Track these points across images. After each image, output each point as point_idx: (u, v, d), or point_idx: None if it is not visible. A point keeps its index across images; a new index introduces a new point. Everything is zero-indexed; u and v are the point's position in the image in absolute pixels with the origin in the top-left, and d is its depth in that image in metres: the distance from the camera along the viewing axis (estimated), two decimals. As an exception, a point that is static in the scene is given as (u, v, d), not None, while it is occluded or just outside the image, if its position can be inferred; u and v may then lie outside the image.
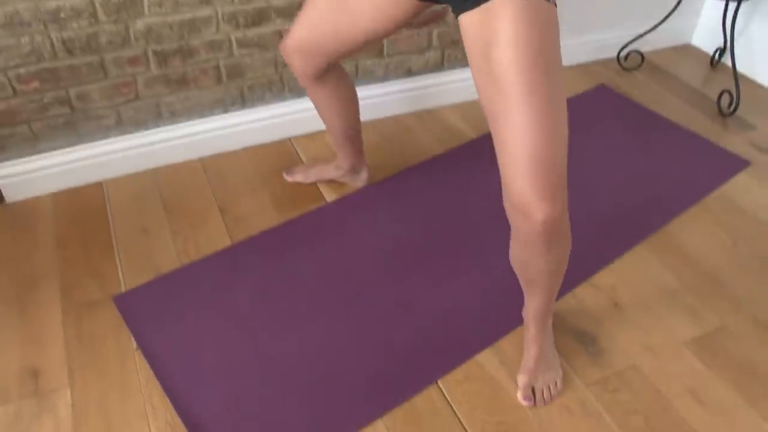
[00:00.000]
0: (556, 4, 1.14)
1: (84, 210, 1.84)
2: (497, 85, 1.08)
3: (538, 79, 1.06)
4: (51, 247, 1.72)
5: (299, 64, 1.53)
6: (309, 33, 1.46)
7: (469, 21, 1.13)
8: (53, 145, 1.86)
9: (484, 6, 1.10)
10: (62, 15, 1.67)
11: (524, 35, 1.06)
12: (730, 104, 2.33)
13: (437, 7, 1.55)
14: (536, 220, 1.09)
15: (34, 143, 1.83)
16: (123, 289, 1.60)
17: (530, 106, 1.06)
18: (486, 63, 1.10)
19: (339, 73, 1.62)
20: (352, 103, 1.70)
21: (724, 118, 2.32)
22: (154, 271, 1.65)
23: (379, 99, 2.18)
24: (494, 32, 1.08)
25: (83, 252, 1.70)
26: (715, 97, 2.41)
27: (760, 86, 2.53)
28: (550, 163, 1.08)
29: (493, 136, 1.13)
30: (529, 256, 1.22)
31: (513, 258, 1.30)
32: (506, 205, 1.16)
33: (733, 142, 2.19)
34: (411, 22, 1.37)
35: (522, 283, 1.36)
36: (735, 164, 2.08)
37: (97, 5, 1.69)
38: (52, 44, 1.70)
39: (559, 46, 1.14)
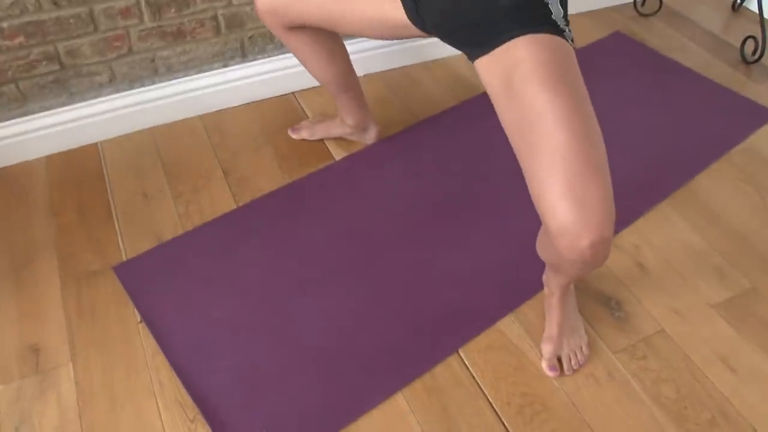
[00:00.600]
0: (573, 42, 1.12)
1: (79, 173, 1.74)
2: (524, 107, 1.03)
3: (563, 93, 1.01)
4: (46, 214, 1.63)
5: (272, 22, 1.46)
6: (290, 4, 1.38)
7: (485, 65, 1.12)
8: (43, 105, 1.76)
9: (498, 49, 1.08)
10: (47, -37, 1.55)
11: (544, 58, 1.05)
12: (755, 51, 2.21)
13: None
14: (583, 246, 0.97)
15: (22, 103, 1.73)
16: (123, 258, 1.52)
17: (557, 115, 0.99)
18: (509, 90, 1.06)
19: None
20: (337, 49, 1.57)
21: (748, 66, 2.21)
22: (155, 237, 1.57)
23: (383, 50, 2.06)
24: (513, 62, 1.06)
25: (80, 219, 1.62)
26: (737, 43, 2.29)
27: None
28: (594, 182, 0.98)
29: (525, 169, 1.05)
30: (564, 263, 1.13)
31: (541, 250, 1.22)
32: (545, 230, 1.08)
33: (758, 92, 2.08)
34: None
35: (547, 264, 1.28)
36: (761, 115, 1.98)
37: (84, -48, 1.57)
38: (37, -5, 1.59)
39: (580, 74, 1.08)
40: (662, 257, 1.55)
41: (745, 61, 2.23)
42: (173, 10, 1.74)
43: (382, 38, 1.39)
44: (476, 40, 1.13)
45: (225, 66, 1.90)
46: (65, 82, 1.74)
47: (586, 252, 0.97)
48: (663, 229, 1.61)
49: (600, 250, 0.99)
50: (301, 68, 1.93)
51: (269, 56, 1.94)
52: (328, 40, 1.53)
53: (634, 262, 1.53)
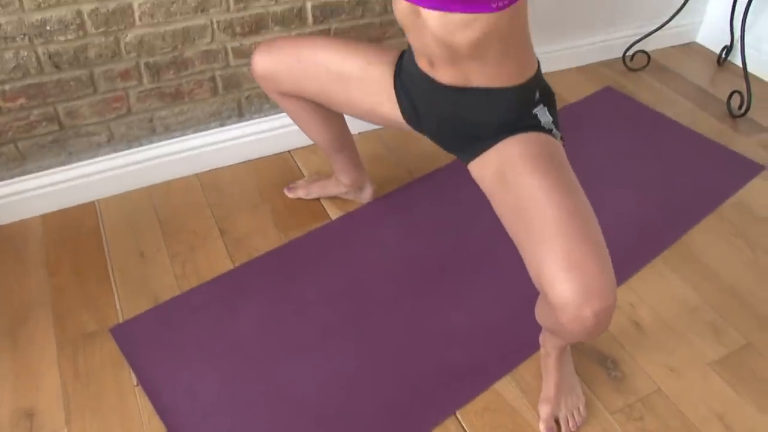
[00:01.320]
0: (563, 140, 1.22)
1: (76, 232, 1.75)
2: (518, 194, 1.10)
3: (555, 181, 1.08)
4: (42, 273, 1.63)
5: (267, 86, 1.50)
6: (288, 75, 1.42)
7: (478, 167, 1.22)
8: (42, 164, 1.77)
9: (490, 149, 1.20)
10: (48, 28, 1.57)
11: (533, 152, 1.13)
12: (741, 105, 2.27)
13: None
14: (586, 317, 0.98)
15: (21, 163, 1.74)
16: (120, 319, 1.51)
17: (551, 199, 1.05)
18: (503, 183, 1.14)
19: None
20: (332, 113, 1.57)
21: (735, 120, 2.26)
22: (152, 297, 1.57)
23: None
24: (505, 157, 1.16)
25: (77, 278, 1.62)
26: (723, 97, 2.35)
27: None
28: (590, 253, 1.00)
29: (523, 250, 1.09)
30: (564, 332, 1.10)
31: (541, 318, 1.23)
32: (544, 302, 1.10)
33: (746, 145, 2.13)
34: None
35: (545, 328, 1.29)
36: (749, 169, 2.02)
37: (86, 16, 1.60)
38: (38, 58, 1.61)
39: (571, 169, 1.15)
40: (657, 315, 1.55)
41: (732, 115, 2.28)
42: (172, 72, 1.77)
43: (379, 123, 1.45)
44: (470, 148, 1.24)
45: (222, 125, 1.93)
46: (64, 142, 1.76)
47: (588, 322, 0.98)
48: (657, 286, 1.62)
49: (602, 320, 0.99)
50: (297, 127, 1.97)
51: (265, 115, 1.97)
52: (322, 106, 1.55)
53: (629, 320, 1.54)
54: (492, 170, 1.18)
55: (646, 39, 2.53)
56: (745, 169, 2.02)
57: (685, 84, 2.47)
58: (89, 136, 1.78)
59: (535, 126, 1.19)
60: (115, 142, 1.82)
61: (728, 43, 2.55)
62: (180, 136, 1.89)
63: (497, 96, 1.17)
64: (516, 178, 1.10)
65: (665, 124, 2.23)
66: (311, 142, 2.03)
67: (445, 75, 1.17)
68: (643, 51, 2.55)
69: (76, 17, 1.59)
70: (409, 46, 1.24)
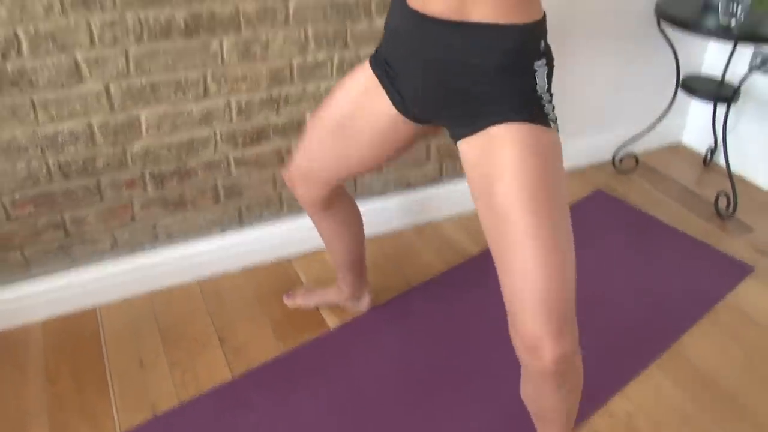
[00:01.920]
0: (558, 129, 1.12)
1: (76, 339, 1.76)
2: (502, 222, 1.07)
3: (544, 215, 1.05)
4: (41, 381, 1.63)
5: (303, 191, 1.50)
6: (310, 162, 1.44)
7: (468, 148, 1.13)
8: (46, 269, 1.80)
9: (483, 132, 1.09)
10: (60, 140, 1.64)
11: (527, 167, 1.05)
12: (728, 206, 2.34)
13: None
14: (547, 359, 1.05)
15: (25, 269, 1.77)
16: (118, 431, 1.50)
17: (537, 242, 1.04)
18: (489, 198, 1.08)
19: (345, 200, 1.58)
20: (357, 232, 1.65)
21: (723, 221, 2.33)
22: (150, 407, 1.56)
23: (378, 213, 2.15)
24: (495, 165, 1.07)
25: (75, 386, 1.61)
26: (711, 198, 2.43)
27: (754, 186, 2.56)
28: (559, 301, 1.05)
29: (498, 271, 1.11)
30: (541, 393, 1.17)
31: (524, 394, 1.25)
32: (515, 342, 1.12)
33: (734, 246, 2.18)
34: (411, 144, 1.35)
35: (534, 419, 1.30)
36: (739, 270, 2.06)
37: (96, 129, 1.67)
38: (48, 168, 1.67)
39: (563, 170, 1.12)
40: (655, 423, 1.55)
41: (720, 216, 2.35)
42: (175, 181, 1.82)
43: (390, 153, 1.36)
44: (460, 115, 1.14)
45: (223, 232, 1.97)
46: (69, 249, 1.80)
47: (550, 365, 1.06)
48: (654, 393, 1.63)
49: (565, 367, 1.07)
50: (296, 234, 2.03)
51: (265, 222, 2.02)
52: (353, 217, 1.62)
53: (628, 430, 1.54)
54: (480, 170, 1.10)
55: (634, 140, 2.63)
56: (735, 271, 2.06)
57: (673, 185, 2.55)
58: (93, 243, 1.82)
59: (530, 96, 1.09)
60: (119, 248, 1.86)
61: (712, 145, 2.65)
62: (181, 242, 1.93)
63: (498, 34, 1.04)
64: (504, 195, 1.05)
65: (656, 226, 2.29)
66: (311, 250, 2.08)
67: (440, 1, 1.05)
68: (631, 153, 2.65)
69: (86, 129, 1.66)
70: (391, 8, 1.20)
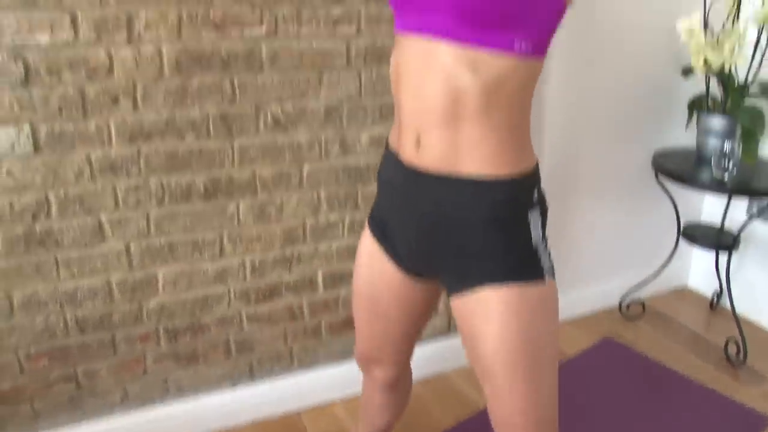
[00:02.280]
0: (553, 276, 1.13)
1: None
2: (487, 376, 1.12)
3: (526, 373, 1.08)
4: None
5: (379, 373, 1.46)
6: (366, 342, 1.43)
7: (459, 304, 1.14)
8: (55, 422, 1.81)
9: (473, 292, 1.10)
10: (79, 295, 1.71)
11: (511, 332, 1.07)
12: (738, 353, 2.32)
13: None
14: None
15: (34, 421, 1.79)
16: None
17: (515, 396, 1.09)
18: (476, 355, 1.13)
19: (407, 382, 1.55)
20: (402, 410, 1.60)
21: (734, 369, 2.30)
22: None
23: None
24: (481, 329, 1.09)
25: None
26: (720, 343, 2.42)
27: (764, 331, 2.55)
28: None
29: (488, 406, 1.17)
30: None
31: None
32: None
33: (748, 396, 2.14)
34: (431, 303, 1.36)
35: None
36: (755, 422, 2.01)
37: (114, 286, 1.74)
38: (65, 323, 1.73)
39: (554, 322, 1.13)
40: None
41: (731, 364, 2.32)
42: (188, 336, 1.87)
43: (423, 308, 1.35)
44: (451, 271, 1.14)
45: (233, 386, 1.98)
46: (79, 401, 1.82)
47: None
48: None
49: None
50: (305, 387, 2.05)
51: (275, 377, 2.03)
52: (406, 398, 1.57)
53: None
54: (468, 329, 1.13)
55: (640, 287, 2.66)
56: (751, 423, 2.01)
57: (681, 330, 2.55)
58: (104, 396, 1.84)
59: (532, 260, 1.10)
60: (129, 401, 1.88)
61: (718, 289, 2.66)
62: (192, 396, 1.94)
63: (489, 187, 1.06)
64: (487, 363, 1.11)
65: (666, 374, 2.25)
66: (319, 404, 2.07)
67: (432, 152, 1.06)
68: (638, 299, 2.68)
69: (105, 286, 1.73)
70: (382, 163, 1.23)
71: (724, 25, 2.16)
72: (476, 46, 0.98)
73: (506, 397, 1.11)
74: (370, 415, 1.60)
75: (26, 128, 1.55)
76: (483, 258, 1.09)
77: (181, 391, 1.93)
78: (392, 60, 1.13)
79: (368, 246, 1.31)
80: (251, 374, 2.00)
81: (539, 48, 1.02)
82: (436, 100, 1.02)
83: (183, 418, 1.93)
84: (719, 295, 2.68)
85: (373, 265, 1.31)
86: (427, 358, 2.23)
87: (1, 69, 1.49)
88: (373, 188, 1.93)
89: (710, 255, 2.67)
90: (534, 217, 1.10)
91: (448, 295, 1.17)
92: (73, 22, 1.53)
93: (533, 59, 1.02)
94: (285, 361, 2.02)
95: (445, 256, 1.14)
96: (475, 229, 1.08)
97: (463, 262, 1.12)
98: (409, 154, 1.10)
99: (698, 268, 2.85)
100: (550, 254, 1.13)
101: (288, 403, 2.05)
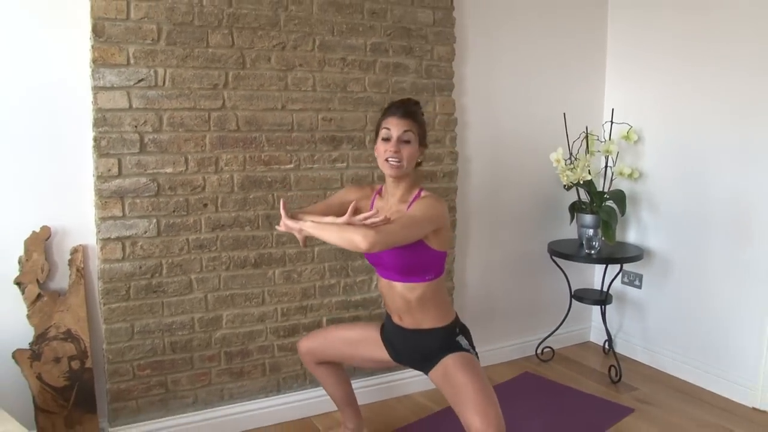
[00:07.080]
0: (476, 355, 2.29)
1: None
2: (458, 388, 2.12)
3: (476, 378, 2.13)
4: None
5: (307, 359, 2.55)
6: (322, 349, 2.51)
7: (433, 374, 2.27)
8: (149, 416, 2.72)
9: (439, 364, 2.22)
10: (174, 327, 2.71)
11: (461, 362, 2.18)
12: (616, 374, 3.39)
13: None
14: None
15: (136, 414, 2.71)
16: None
17: (475, 385, 2.10)
18: (446, 379, 2.18)
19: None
20: (345, 380, 2.62)
21: (615, 384, 3.36)
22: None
23: (366, 389, 3.13)
24: (446, 366, 2.19)
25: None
26: (606, 371, 3.49)
27: (639, 362, 3.67)
28: (491, 408, 2.04)
29: (456, 410, 2.10)
30: None
31: None
32: None
33: (622, 399, 3.18)
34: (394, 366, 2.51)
35: None
36: (623, 411, 3.04)
37: (195, 321, 2.75)
38: (164, 345, 2.70)
39: (480, 367, 2.25)
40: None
41: (613, 382, 3.40)
42: (239, 359, 2.86)
43: (374, 368, 2.62)
44: (428, 364, 2.25)
45: (266, 396, 2.93)
46: (166, 402, 2.75)
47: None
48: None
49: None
50: (316, 399, 3.01)
51: (295, 391, 2.99)
52: (340, 374, 2.60)
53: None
54: (440, 374, 2.20)
55: (552, 339, 3.73)
56: (621, 411, 3.05)
57: (581, 367, 3.63)
58: (183, 398, 2.79)
59: (459, 347, 2.22)
60: (198, 403, 2.82)
61: (607, 339, 3.71)
62: (239, 402, 2.89)
63: (436, 332, 2.24)
64: (455, 375, 2.14)
65: (569, 391, 3.28)
66: (325, 411, 3.02)
67: (407, 322, 2.27)
68: (550, 348, 3.73)
69: (190, 321, 2.74)
70: (387, 315, 2.37)
71: (577, 153, 3.42)
72: (409, 282, 2.22)
73: (470, 390, 2.07)
74: (328, 392, 2.65)
75: (154, 221, 2.64)
76: (438, 355, 2.23)
77: (232, 398, 2.88)
78: (378, 282, 2.44)
79: (374, 334, 2.49)
80: (278, 388, 2.96)
81: (439, 273, 2.27)
82: (399, 304, 2.28)
83: (231, 418, 2.87)
84: (609, 342, 3.69)
85: (370, 339, 2.46)
86: (399, 382, 3.19)
87: (145, 187, 2.60)
88: (358, 263, 3.02)
89: (597, 315, 3.80)
90: (460, 338, 2.27)
91: (426, 373, 2.28)
92: (186, 160, 2.66)
93: (438, 278, 2.26)
94: (301, 380, 3.00)
95: (418, 359, 2.31)
96: (430, 349, 2.25)
97: (427, 359, 2.26)
98: (396, 320, 2.33)
99: (596, 328, 3.96)
100: (474, 347, 2.31)
101: (304, 410, 3.00)
